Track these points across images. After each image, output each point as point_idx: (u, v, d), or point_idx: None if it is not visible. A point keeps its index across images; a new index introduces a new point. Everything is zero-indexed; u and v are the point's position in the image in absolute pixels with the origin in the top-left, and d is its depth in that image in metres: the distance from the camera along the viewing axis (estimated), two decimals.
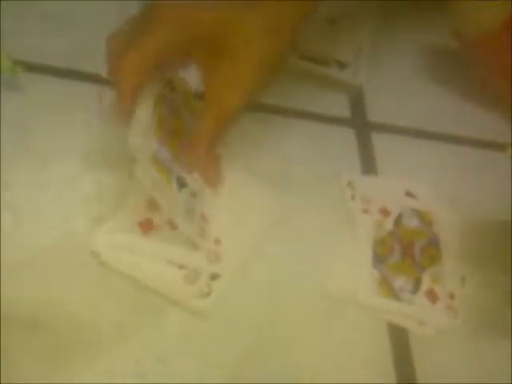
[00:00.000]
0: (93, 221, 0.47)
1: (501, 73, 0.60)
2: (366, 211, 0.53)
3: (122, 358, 0.42)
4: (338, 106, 0.62)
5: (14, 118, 0.52)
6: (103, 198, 0.49)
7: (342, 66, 0.63)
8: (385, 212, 0.53)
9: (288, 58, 0.52)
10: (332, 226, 0.51)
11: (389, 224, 0.52)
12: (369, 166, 0.57)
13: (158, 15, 0.45)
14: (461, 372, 0.46)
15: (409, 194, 0.55)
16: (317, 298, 0.47)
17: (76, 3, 0.61)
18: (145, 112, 0.44)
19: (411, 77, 0.66)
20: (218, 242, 0.48)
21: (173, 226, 0.47)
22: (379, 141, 0.59)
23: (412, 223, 0.53)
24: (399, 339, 0.47)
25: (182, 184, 0.47)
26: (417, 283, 0.49)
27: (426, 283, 0.49)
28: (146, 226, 0.47)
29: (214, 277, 0.46)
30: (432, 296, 0.48)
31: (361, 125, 0.60)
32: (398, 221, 0.53)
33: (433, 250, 0.51)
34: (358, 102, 0.62)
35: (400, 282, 0.49)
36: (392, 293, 0.48)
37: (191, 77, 0.50)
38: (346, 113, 0.61)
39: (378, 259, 0.50)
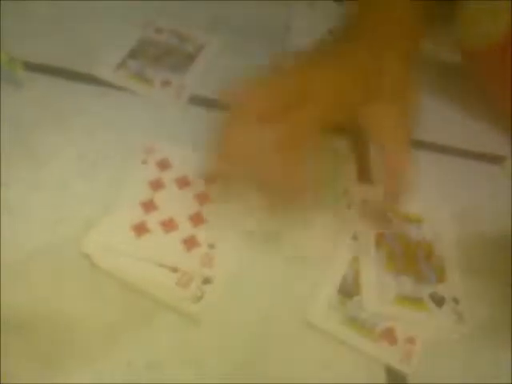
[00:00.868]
0: (86, 223, 0.47)
1: (504, 85, 0.60)
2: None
3: (112, 360, 0.42)
4: None
5: (11, 117, 0.52)
6: (97, 200, 0.49)
7: None
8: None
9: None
10: (325, 236, 0.51)
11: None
12: (365, 175, 0.57)
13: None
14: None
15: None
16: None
17: (76, 3, 0.61)
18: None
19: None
20: (211, 246, 0.48)
21: (166, 228, 0.48)
22: (376, 150, 0.59)
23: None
24: None
25: None
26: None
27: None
28: (139, 229, 0.47)
29: (206, 281, 0.46)
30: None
31: (358, 133, 0.60)
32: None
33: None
34: None
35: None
36: None
37: None
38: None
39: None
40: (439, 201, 0.56)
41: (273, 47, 0.63)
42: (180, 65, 0.60)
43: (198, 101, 0.58)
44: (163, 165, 0.51)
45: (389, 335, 0.46)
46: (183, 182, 0.51)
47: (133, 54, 0.60)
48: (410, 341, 0.46)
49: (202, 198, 0.50)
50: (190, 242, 0.47)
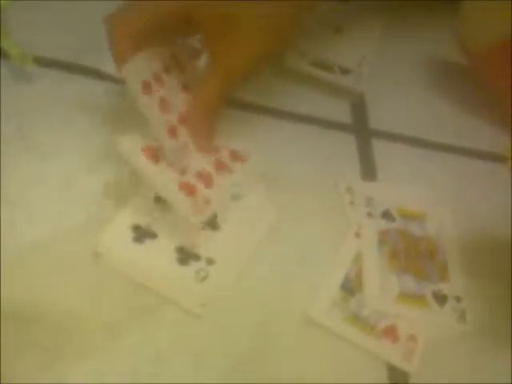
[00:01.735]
0: (89, 218, 0.47)
1: (506, 85, 0.60)
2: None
3: (116, 356, 0.42)
4: (340, 111, 0.61)
5: (16, 111, 0.51)
6: (101, 195, 0.49)
7: (345, 72, 0.63)
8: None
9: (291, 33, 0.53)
10: (328, 236, 0.51)
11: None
12: (368, 172, 0.57)
13: None
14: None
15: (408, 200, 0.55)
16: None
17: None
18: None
19: (413, 87, 0.66)
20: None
21: None
22: (379, 148, 0.59)
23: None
24: None
25: None
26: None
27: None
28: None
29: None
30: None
31: (362, 131, 0.60)
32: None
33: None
34: (359, 109, 0.62)
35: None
36: None
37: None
38: (347, 119, 0.61)
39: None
40: (442, 198, 0.56)
41: None
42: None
43: None
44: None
45: (391, 333, 0.46)
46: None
47: None
48: (412, 339, 0.46)
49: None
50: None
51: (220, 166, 0.49)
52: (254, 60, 0.48)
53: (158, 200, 0.48)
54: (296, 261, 0.49)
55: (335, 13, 0.68)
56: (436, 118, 0.64)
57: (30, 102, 0.53)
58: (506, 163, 0.61)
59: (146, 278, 0.45)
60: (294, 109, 0.60)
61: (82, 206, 0.48)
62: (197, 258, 0.47)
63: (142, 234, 0.47)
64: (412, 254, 0.51)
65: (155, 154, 0.45)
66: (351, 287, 0.48)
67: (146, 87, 0.46)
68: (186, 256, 0.47)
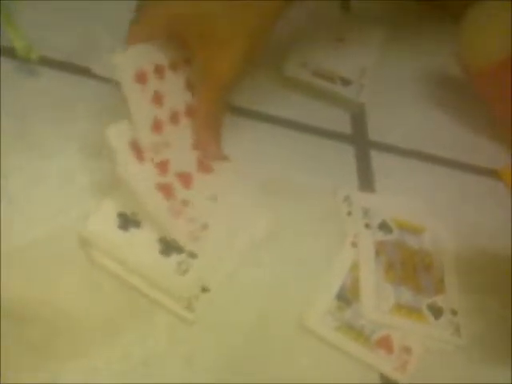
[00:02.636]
0: (87, 215, 0.46)
1: (506, 102, 0.61)
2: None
3: (107, 356, 0.41)
4: (340, 121, 0.62)
5: (16, 109, 0.51)
6: (99, 192, 0.48)
7: (346, 83, 0.63)
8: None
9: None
10: (325, 245, 0.51)
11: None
12: (366, 183, 0.57)
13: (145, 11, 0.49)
14: None
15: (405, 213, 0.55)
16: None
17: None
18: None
19: (412, 100, 0.67)
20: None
21: None
22: (378, 159, 0.59)
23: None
24: None
25: None
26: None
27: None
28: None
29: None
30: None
31: (361, 142, 0.60)
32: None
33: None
34: (359, 120, 0.62)
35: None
36: None
37: None
38: (346, 129, 0.61)
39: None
40: (439, 212, 0.56)
41: (279, 54, 0.63)
42: None
43: None
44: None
45: (385, 344, 0.46)
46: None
47: None
48: (406, 350, 0.46)
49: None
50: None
51: (201, 166, 0.49)
52: (239, 62, 0.49)
53: None
54: (292, 267, 0.49)
55: (337, 23, 0.69)
56: (435, 131, 0.64)
57: (30, 100, 0.53)
58: (504, 179, 0.61)
59: (129, 268, 0.44)
60: (294, 118, 0.60)
61: (78, 203, 0.47)
62: (179, 250, 0.46)
63: (126, 221, 0.46)
64: (408, 265, 0.51)
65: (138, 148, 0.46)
66: (347, 297, 0.48)
67: (141, 76, 0.46)
68: (168, 247, 0.46)
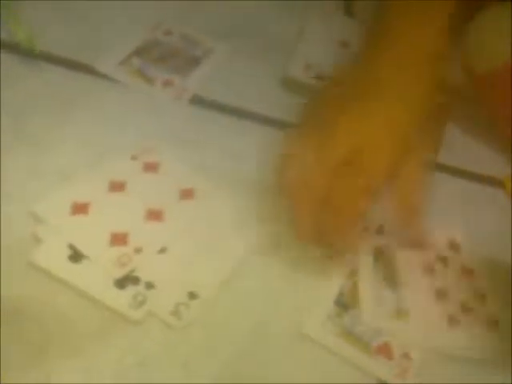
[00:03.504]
0: None
1: (507, 109, 0.60)
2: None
3: (102, 357, 0.41)
4: None
5: (16, 104, 0.52)
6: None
7: None
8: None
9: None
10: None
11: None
12: None
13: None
14: None
15: None
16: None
17: None
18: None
19: None
20: None
21: None
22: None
23: None
24: None
25: None
26: None
27: None
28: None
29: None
30: None
31: None
32: None
33: None
34: None
35: None
36: None
37: None
38: None
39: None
40: (438, 218, 0.55)
41: (283, 57, 0.63)
42: (184, 67, 0.60)
43: (199, 102, 0.58)
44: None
45: (385, 350, 0.45)
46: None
47: (138, 52, 0.60)
48: (406, 356, 0.45)
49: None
50: None
51: None
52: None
53: None
54: (291, 274, 0.48)
55: (341, 27, 0.69)
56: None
57: (30, 96, 0.53)
58: (505, 189, 0.61)
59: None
60: (297, 120, 0.59)
61: None
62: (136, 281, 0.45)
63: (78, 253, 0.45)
64: None
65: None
66: (345, 302, 0.47)
67: None
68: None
